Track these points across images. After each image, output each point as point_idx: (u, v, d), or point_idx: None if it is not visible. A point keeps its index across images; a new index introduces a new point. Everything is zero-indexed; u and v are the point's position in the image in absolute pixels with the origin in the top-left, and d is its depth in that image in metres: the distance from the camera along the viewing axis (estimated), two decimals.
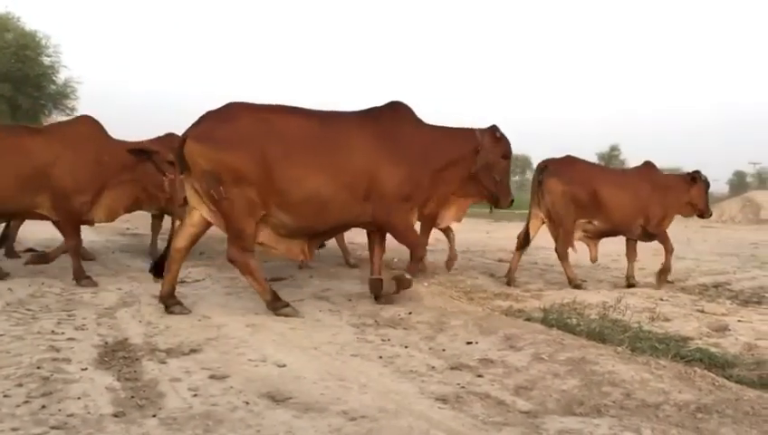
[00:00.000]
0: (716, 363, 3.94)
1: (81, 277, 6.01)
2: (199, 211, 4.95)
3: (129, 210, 6.80)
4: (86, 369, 3.44)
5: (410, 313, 5.04)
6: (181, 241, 5.01)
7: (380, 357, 3.91)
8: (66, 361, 3.56)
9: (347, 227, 5.45)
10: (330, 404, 3.01)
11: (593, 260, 7.42)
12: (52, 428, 2.65)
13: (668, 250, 7.21)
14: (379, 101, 5.42)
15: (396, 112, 5.29)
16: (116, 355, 3.72)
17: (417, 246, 5.37)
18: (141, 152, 6.41)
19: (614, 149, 54.86)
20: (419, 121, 5.38)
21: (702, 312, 5.73)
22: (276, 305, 4.95)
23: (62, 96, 27.96)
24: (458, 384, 3.40)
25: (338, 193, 4.94)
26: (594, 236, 7.27)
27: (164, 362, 3.61)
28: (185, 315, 4.82)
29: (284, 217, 4.94)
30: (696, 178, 7.54)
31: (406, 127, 5.25)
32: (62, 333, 4.16)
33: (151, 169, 6.43)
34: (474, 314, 4.97)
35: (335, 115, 5.19)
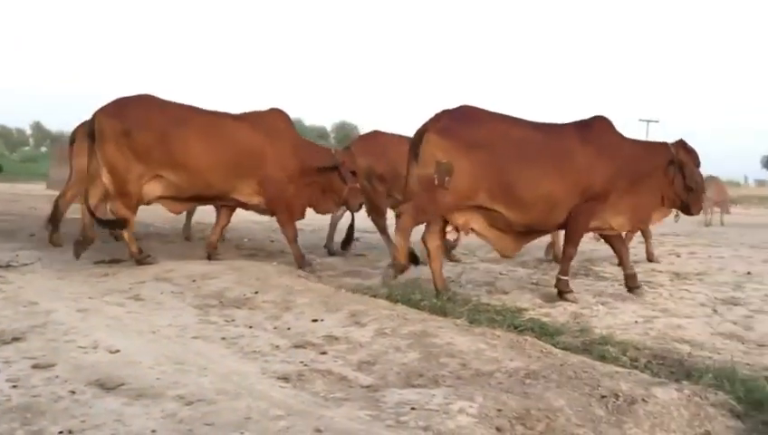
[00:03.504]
0: (546, 332, 4.20)
1: (305, 265, 6.29)
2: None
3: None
4: None
5: (257, 292, 4.95)
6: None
7: (223, 338, 3.82)
8: None
9: (559, 228, 5.74)
10: (165, 389, 2.88)
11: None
12: None
13: None
14: None
15: (604, 125, 5.63)
16: None
17: (575, 244, 5.57)
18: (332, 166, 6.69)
19: None
20: (621, 134, 5.72)
21: (536, 284, 6.10)
22: (443, 287, 5.29)
23: None
24: (301, 362, 3.39)
25: (566, 196, 5.28)
26: None
27: None
28: (8, 301, 4.45)
29: (510, 214, 5.24)
30: None
31: (614, 138, 5.63)
32: None
33: (335, 177, 6.71)
34: (320, 292, 4.97)
35: (554, 125, 5.59)
